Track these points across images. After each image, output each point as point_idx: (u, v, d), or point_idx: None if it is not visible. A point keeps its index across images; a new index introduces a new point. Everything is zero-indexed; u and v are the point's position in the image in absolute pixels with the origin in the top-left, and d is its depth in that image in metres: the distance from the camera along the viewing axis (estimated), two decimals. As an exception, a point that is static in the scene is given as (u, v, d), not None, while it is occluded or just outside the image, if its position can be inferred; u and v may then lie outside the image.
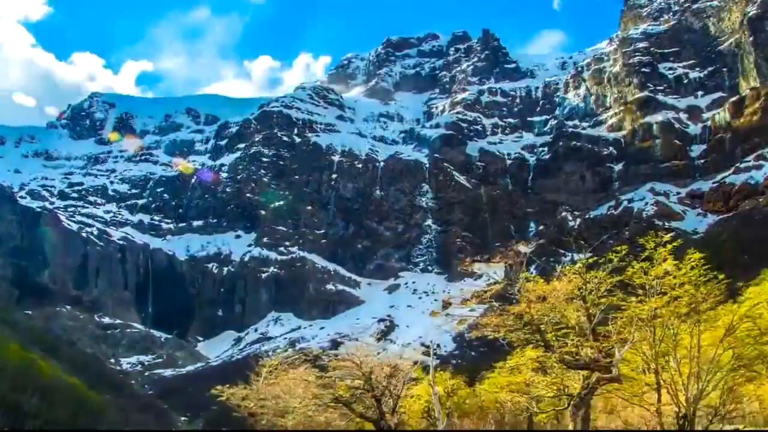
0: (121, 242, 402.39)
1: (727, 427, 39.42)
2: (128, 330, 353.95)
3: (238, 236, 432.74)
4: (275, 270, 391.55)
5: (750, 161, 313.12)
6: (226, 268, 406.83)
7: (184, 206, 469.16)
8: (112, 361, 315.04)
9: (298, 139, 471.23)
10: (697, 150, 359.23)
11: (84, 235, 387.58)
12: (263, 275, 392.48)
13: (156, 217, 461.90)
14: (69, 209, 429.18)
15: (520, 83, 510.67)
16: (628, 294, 39.43)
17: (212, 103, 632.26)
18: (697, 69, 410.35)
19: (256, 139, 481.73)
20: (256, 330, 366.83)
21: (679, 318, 35.48)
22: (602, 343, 32.97)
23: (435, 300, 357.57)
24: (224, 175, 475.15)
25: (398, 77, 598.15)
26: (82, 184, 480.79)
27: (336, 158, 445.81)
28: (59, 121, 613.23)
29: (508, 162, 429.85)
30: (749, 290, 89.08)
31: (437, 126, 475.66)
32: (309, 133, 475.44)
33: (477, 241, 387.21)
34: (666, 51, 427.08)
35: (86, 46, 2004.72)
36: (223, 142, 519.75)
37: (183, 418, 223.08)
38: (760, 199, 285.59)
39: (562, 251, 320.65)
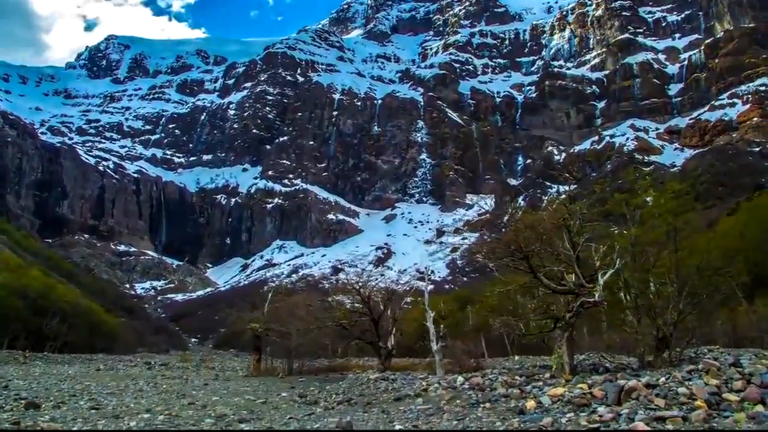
0: (135, 175, 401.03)
1: (703, 349, 38.66)
2: (142, 257, 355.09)
3: (245, 169, 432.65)
4: (279, 201, 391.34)
5: (724, 99, 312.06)
6: (233, 200, 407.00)
7: (194, 141, 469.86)
8: (127, 286, 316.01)
9: (301, 79, 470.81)
10: (674, 89, 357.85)
11: (101, 168, 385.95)
12: (268, 206, 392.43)
13: (168, 152, 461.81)
14: (86, 144, 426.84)
15: (509, 26, 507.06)
16: (610, 223, 38.52)
17: (221, 45, 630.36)
18: (675, 12, 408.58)
19: (262, 78, 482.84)
20: (261, 257, 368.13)
21: (658, 245, 34.58)
22: (586, 270, 32.14)
23: (429, 229, 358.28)
24: (232, 112, 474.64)
25: (395, 20, 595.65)
26: (98, 120, 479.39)
27: (337, 96, 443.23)
28: (77, 61, 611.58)
29: (498, 100, 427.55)
30: (723, 220, 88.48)
31: (431, 66, 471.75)
32: (311, 73, 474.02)
33: (469, 174, 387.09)
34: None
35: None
36: (230, 82, 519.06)
37: (194, 340, 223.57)
38: (734, 135, 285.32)
39: (549, 183, 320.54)
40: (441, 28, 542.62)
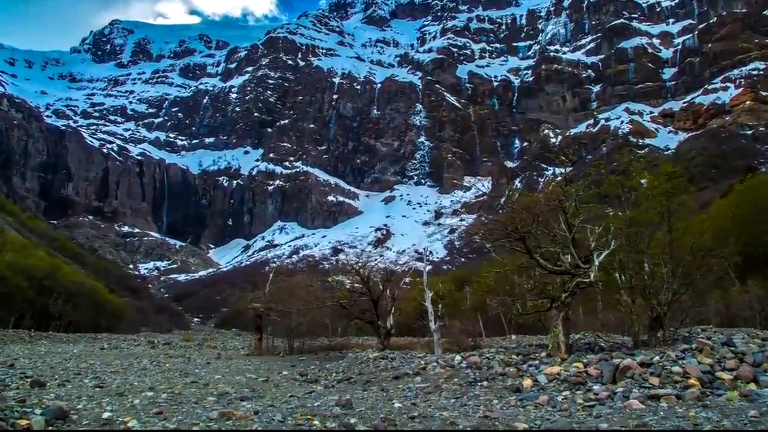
0: (139, 158, 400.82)
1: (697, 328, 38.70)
2: (145, 238, 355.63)
3: (246, 152, 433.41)
4: (281, 183, 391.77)
5: (717, 83, 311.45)
6: (235, 182, 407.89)
7: (196, 124, 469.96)
8: (131, 266, 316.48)
9: (301, 63, 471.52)
10: (668, 73, 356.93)
11: (105, 151, 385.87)
12: (270, 188, 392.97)
13: (171, 135, 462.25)
14: (91, 127, 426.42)
15: (506, 11, 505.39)
16: (605, 205, 38.47)
17: (223, 30, 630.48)
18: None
19: (263, 62, 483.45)
20: (263, 238, 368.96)
21: (653, 226, 34.55)
22: (581, 251, 32.09)
23: (428, 211, 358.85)
24: (234, 95, 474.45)
25: (394, 6, 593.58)
26: (103, 104, 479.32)
27: (337, 80, 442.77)
28: (82, 46, 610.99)
29: (495, 84, 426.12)
30: (716, 202, 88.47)
31: (430, 51, 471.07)
32: (312, 57, 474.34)
33: (466, 156, 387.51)
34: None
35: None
36: (232, 66, 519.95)
37: (196, 319, 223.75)
38: (727, 118, 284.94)
39: (545, 166, 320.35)
40: (439, 13, 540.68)
